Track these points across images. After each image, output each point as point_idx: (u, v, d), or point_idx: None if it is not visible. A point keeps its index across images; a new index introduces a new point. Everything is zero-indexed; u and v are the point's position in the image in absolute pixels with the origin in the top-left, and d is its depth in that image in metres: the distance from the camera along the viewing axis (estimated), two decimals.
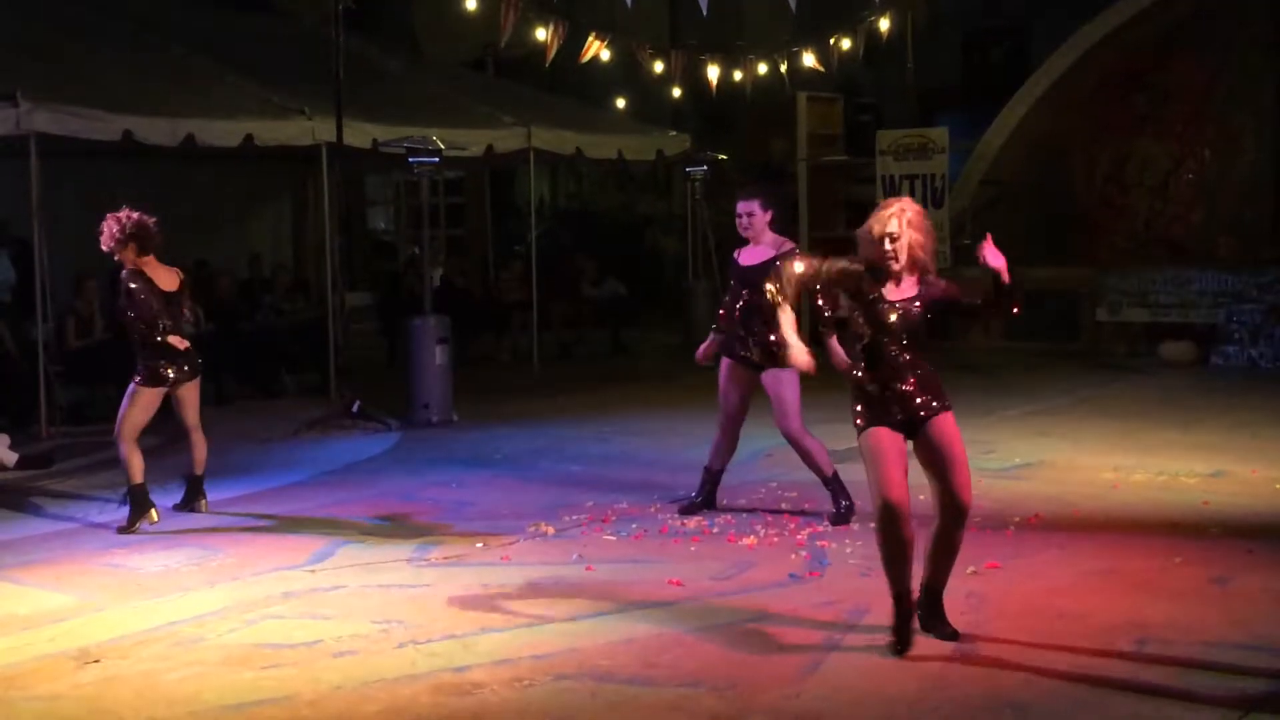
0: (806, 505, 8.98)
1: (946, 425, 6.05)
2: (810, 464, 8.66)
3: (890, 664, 5.88)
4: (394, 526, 8.78)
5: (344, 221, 18.92)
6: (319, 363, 14.66)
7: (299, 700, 5.64)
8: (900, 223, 5.99)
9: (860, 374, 6.10)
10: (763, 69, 17.23)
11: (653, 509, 9.04)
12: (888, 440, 5.98)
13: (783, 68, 17.13)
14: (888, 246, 5.99)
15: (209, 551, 8.17)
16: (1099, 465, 10.16)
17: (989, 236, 6.05)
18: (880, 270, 6.04)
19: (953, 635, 6.10)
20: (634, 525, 8.63)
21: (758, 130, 22.42)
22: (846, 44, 17.09)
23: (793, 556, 7.79)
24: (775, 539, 8.19)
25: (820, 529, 8.37)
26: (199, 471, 9.34)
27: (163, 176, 16.70)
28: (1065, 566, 7.41)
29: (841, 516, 8.48)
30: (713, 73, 16.71)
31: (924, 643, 6.06)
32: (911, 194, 17.34)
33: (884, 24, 16.94)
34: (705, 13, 14.21)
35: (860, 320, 6.10)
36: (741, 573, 7.49)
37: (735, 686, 5.67)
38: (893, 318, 6.02)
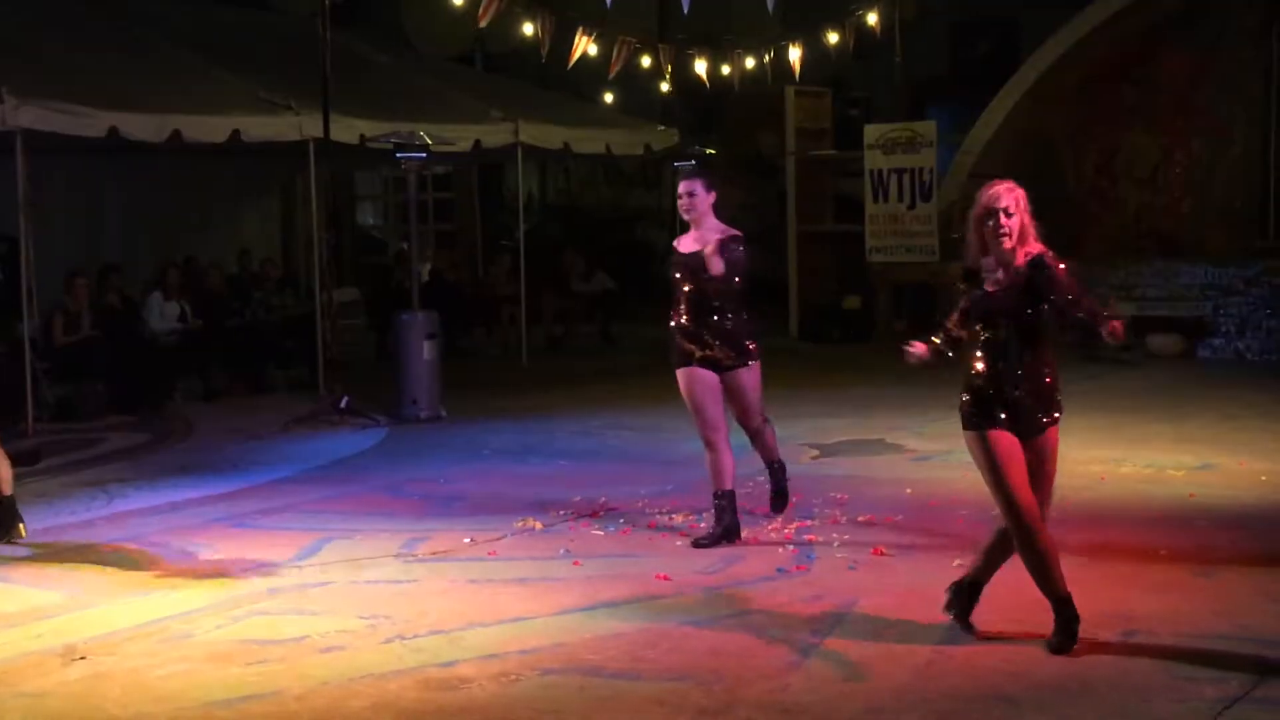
0: (794, 499, 8.97)
1: (1054, 436, 6.01)
2: (765, 449, 8.46)
3: (877, 656, 5.90)
4: (382, 522, 8.77)
5: (332, 217, 18.92)
6: (308, 358, 14.65)
7: (286, 695, 5.64)
8: (1013, 200, 5.84)
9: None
10: (750, 63, 17.23)
11: (640, 504, 9.04)
12: (1008, 444, 5.88)
13: (766, 60, 17.11)
14: (1003, 222, 5.79)
15: (197, 547, 8.17)
16: (1086, 458, 10.15)
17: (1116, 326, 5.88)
18: (974, 274, 5.93)
19: (971, 629, 6.15)
20: (621, 520, 8.64)
21: (746, 124, 22.42)
22: (835, 38, 17.08)
23: (780, 551, 7.80)
24: (762, 534, 8.20)
25: (808, 523, 8.38)
26: (8, 492, 8.42)
27: (150, 172, 16.70)
28: None
29: (713, 540, 7.94)
30: (701, 67, 16.70)
31: (912, 633, 6.07)
32: (899, 188, 17.38)
33: (872, 18, 16.93)
34: (685, 9, 14.18)
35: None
36: (728, 567, 7.50)
37: (722, 680, 5.68)
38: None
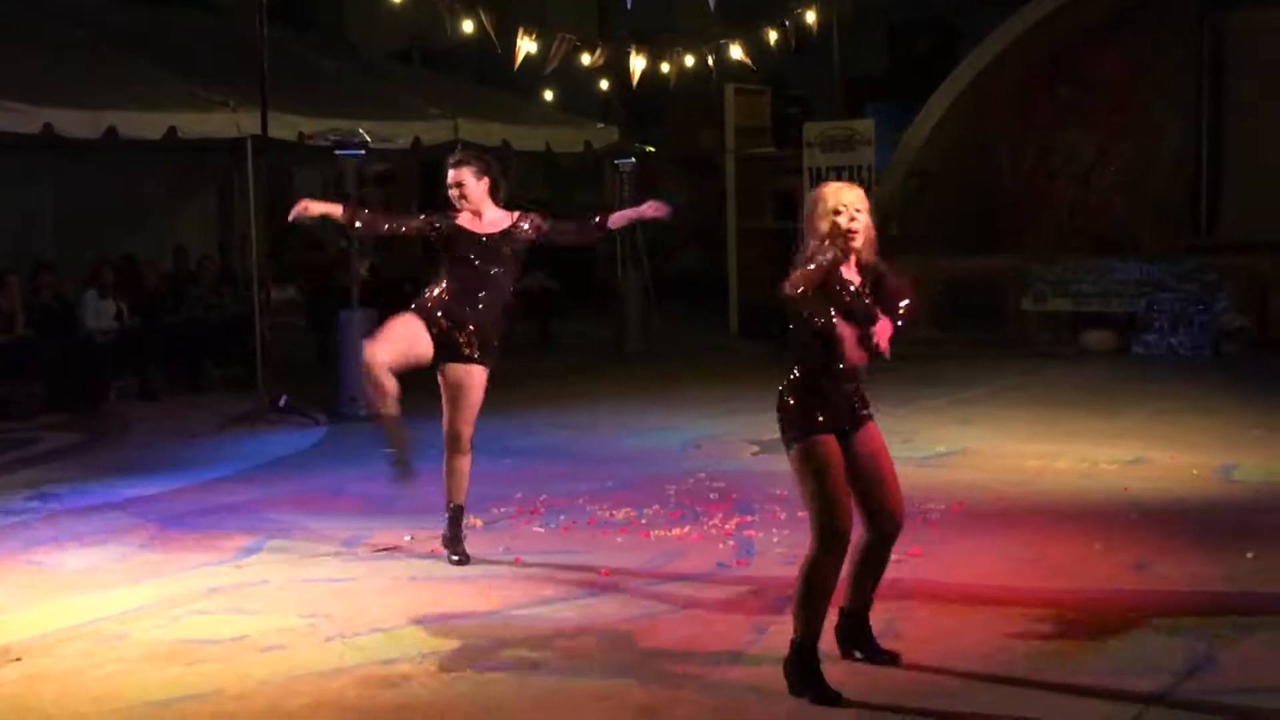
0: (735, 495, 9.02)
1: (877, 431, 5.61)
2: (455, 482, 7.74)
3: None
4: (322, 520, 8.74)
5: (271, 214, 18.78)
6: (246, 357, 14.55)
7: (225, 695, 5.61)
8: (863, 201, 5.51)
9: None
10: (690, 61, 17.27)
11: (581, 500, 9.05)
12: (836, 452, 5.44)
13: (710, 60, 17.17)
14: (850, 223, 5.41)
15: (133, 548, 8.10)
16: (1022, 453, 10.28)
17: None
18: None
19: (894, 659, 5.74)
20: (562, 517, 8.65)
21: (686, 122, 22.47)
22: (774, 36, 17.15)
23: (720, 546, 7.83)
24: (703, 529, 8.23)
25: (748, 519, 8.42)
26: None
27: (85, 170, 16.53)
28: (989, 553, 7.50)
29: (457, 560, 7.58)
30: (639, 64, 16.72)
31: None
32: None
33: (810, 16, 17.00)
34: (629, 5, 14.22)
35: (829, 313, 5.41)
36: (670, 562, 7.53)
37: (663, 676, 5.70)
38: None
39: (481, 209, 7.57)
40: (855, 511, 5.49)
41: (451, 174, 7.57)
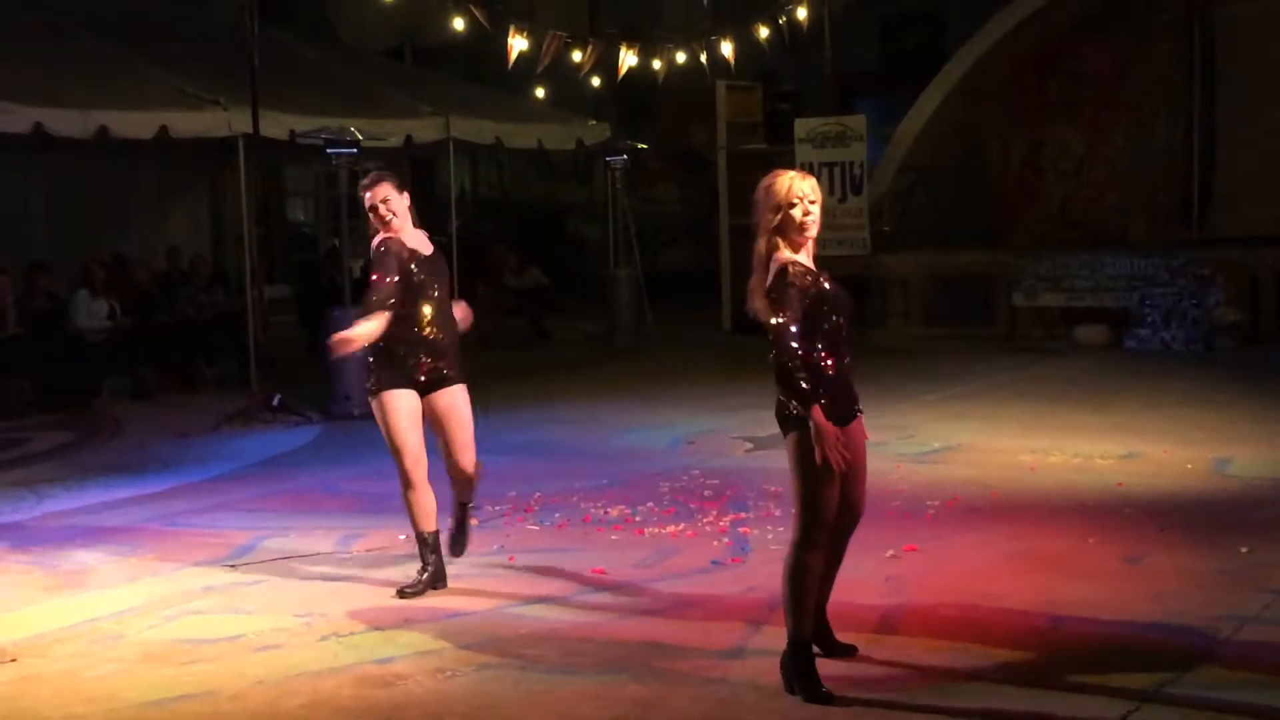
0: (729, 492, 9.02)
1: (862, 427, 5.62)
2: (465, 497, 7.26)
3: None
4: (316, 519, 8.73)
5: (263, 213, 18.76)
6: (238, 355, 14.54)
7: (220, 695, 5.61)
8: (817, 191, 5.40)
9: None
10: (681, 57, 17.28)
11: (575, 498, 9.05)
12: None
13: (702, 56, 17.18)
14: (804, 216, 5.33)
15: (128, 547, 8.10)
16: (1016, 448, 10.28)
17: None
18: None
19: (850, 650, 5.79)
20: (557, 514, 8.64)
21: (678, 119, 22.46)
22: (765, 32, 17.16)
23: (715, 543, 7.84)
24: (697, 526, 8.23)
25: (742, 515, 8.42)
26: None
27: (76, 169, 16.51)
28: (983, 548, 7.51)
29: (421, 588, 6.98)
30: (630, 61, 16.72)
31: (842, 625, 6.12)
32: (830, 181, 17.48)
33: (802, 12, 17.00)
34: None
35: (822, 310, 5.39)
36: (664, 560, 7.53)
37: (658, 674, 5.70)
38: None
39: (405, 226, 6.95)
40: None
41: (373, 192, 6.89)
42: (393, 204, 6.89)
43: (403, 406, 6.92)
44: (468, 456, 7.15)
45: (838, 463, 5.26)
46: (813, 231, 5.43)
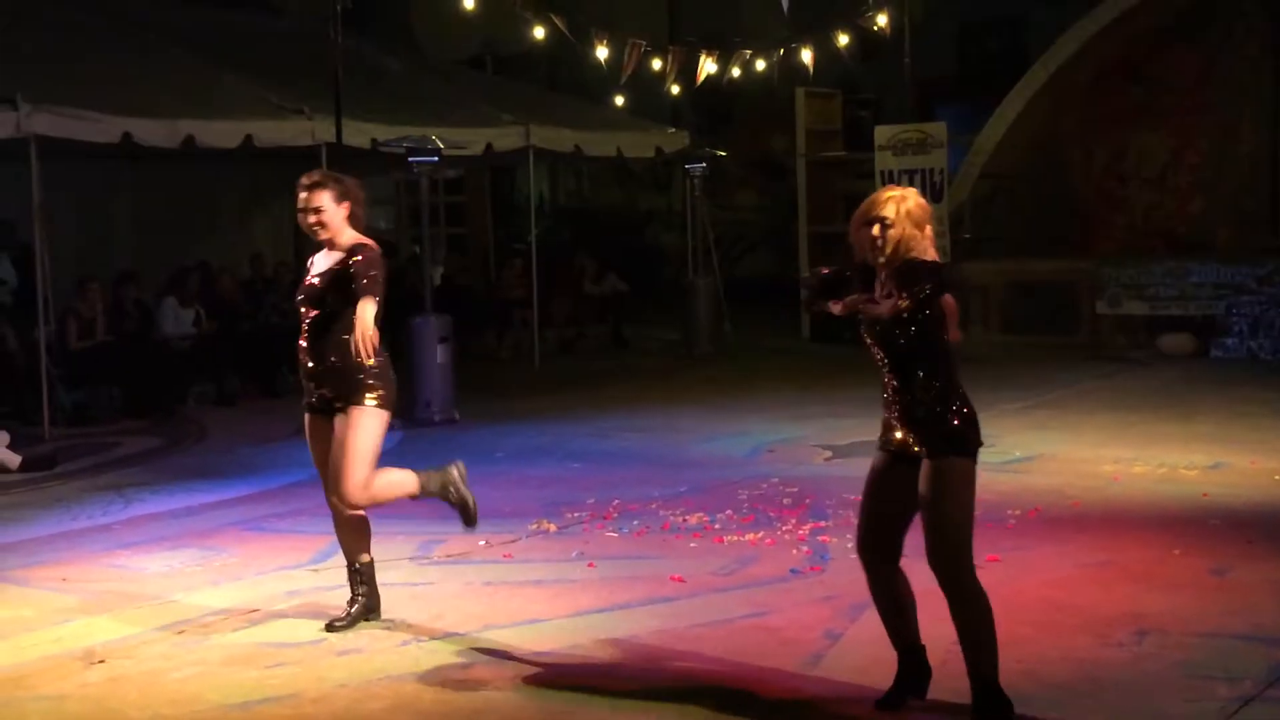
0: (808, 500, 9.00)
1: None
2: (356, 540, 6.79)
3: (892, 656, 5.89)
4: (396, 524, 8.79)
5: None
6: None
7: (303, 698, 5.67)
8: (897, 209, 5.18)
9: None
10: (761, 65, 17.26)
11: (654, 505, 9.06)
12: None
13: (776, 58, 17.14)
14: (875, 232, 5.19)
15: (212, 551, 8.21)
16: (1098, 458, 10.18)
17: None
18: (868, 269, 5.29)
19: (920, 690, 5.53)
20: (635, 522, 8.66)
21: (757, 126, 22.45)
22: (844, 39, 17.12)
23: (794, 552, 7.82)
24: (776, 534, 8.22)
25: (822, 524, 8.39)
26: None
27: (163, 178, 16.76)
28: (1065, 559, 7.44)
29: (352, 620, 6.59)
30: (710, 68, 16.74)
31: (926, 632, 6.08)
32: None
33: (882, 19, 16.95)
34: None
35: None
36: (743, 568, 7.52)
37: (737, 681, 5.70)
38: (877, 328, 5.35)
39: (339, 239, 6.53)
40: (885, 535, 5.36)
41: (304, 196, 6.50)
42: (324, 214, 6.50)
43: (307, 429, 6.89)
44: (334, 488, 6.72)
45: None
46: (884, 257, 5.20)
